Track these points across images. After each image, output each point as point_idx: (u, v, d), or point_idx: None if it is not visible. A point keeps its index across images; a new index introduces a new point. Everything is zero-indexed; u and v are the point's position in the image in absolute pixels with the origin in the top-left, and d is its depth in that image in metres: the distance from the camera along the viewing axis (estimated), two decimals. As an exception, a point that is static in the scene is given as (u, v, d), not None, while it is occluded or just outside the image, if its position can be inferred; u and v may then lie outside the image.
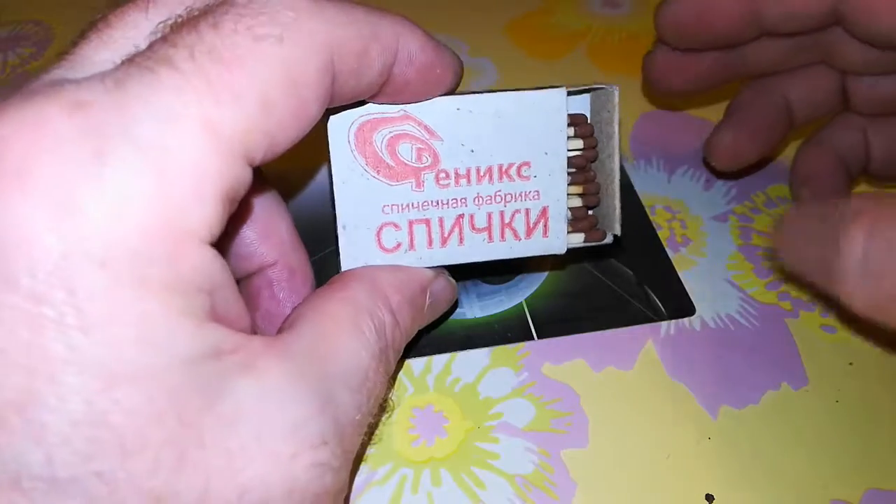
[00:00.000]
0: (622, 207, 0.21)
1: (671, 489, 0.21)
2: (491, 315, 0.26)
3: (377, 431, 0.22)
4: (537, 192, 0.21)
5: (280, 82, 0.14)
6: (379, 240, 0.20)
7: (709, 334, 0.25)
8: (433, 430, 0.23)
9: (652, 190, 0.30)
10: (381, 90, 0.18)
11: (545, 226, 0.21)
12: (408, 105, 0.20)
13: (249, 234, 0.21)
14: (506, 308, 0.26)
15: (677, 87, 0.26)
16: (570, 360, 0.24)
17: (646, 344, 0.25)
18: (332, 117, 0.19)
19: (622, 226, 0.21)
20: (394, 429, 0.23)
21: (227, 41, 0.14)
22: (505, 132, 0.20)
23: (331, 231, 0.21)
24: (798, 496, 0.21)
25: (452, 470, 0.22)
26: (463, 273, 0.23)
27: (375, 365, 0.17)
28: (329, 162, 0.20)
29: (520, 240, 0.21)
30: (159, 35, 0.15)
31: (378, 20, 0.17)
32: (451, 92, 0.20)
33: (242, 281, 0.22)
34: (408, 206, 0.20)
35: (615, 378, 0.24)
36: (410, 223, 0.20)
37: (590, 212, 0.22)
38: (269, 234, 0.21)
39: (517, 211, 0.21)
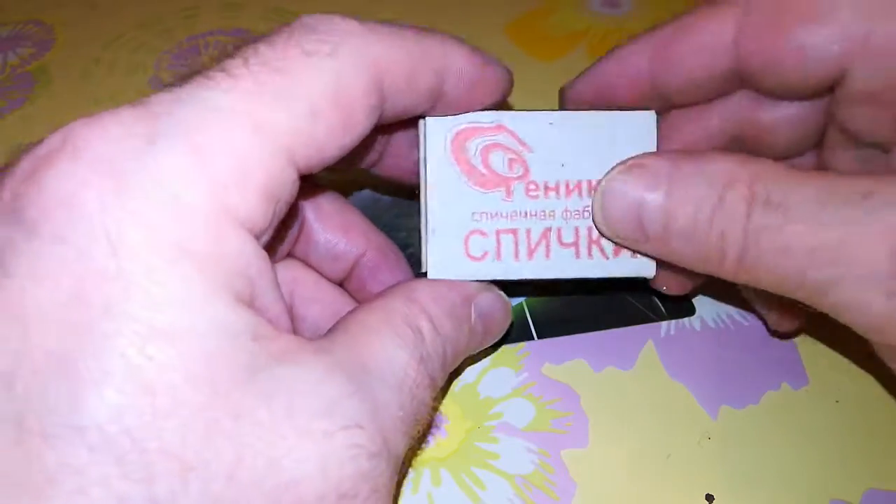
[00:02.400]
0: None
1: (671, 489, 0.21)
2: (491, 315, 0.26)
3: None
4: None
5: (328, 93, 0.15)
6: (466, 247, 0.20)
7: (709, 334, 0.25)
8: (433, 430, 0.23)
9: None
10: (435, 106, 0.19)
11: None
12: (503, 116, 0.20)
13: (331, 236, 0.22)
14: (506, 308, 0.26)
15: None
16: (570, 360, 0.24)
17: (646, 344, 0.25)
18: (429, 122, 0.20)
19: None
20: (394, 429, 0.23)
21: (278, 53, 0.15)
22: (596, 149, 0.20)
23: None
24: (798, 496, 0.21)
25: (452, 470, 0.22)
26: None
27: (416, 365, 0.17)
28: (423, 166, 0.20)
29: (608, 258, 0.21)
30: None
31: (426, 39, 0.18)
32: (504, 100, 0.20)
33: (346, 280, 0.23)
34: (497, 214, 0.20)
35: (615, 378, 0.24)
36: (498, 232, 0.20)
37: None
38: (348, 228, 0.22)
39: None
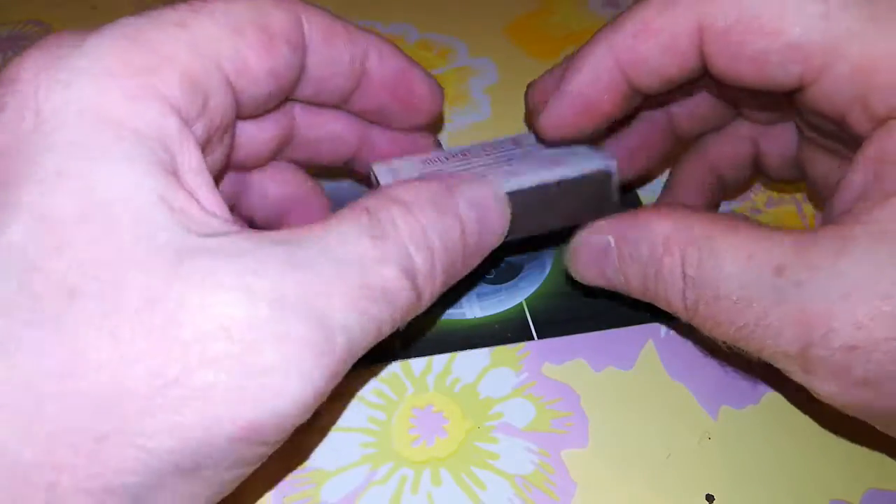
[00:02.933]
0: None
1: (671, 489, 0.21)
2: (491, 315, 0.26)
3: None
4: None
5: (250, 18, 0.18)
6: None
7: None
8: (433, 430, 0.23)
9: (654, 190, 0.30)
10: (360, 84, 0.21)
11: None
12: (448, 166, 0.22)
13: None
14: (506, 308, 0.26)
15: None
16: (570, 360, 0.24)
17: (646, 344, 0.25)
18: (375, 168, 0.23)
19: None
20: (394, 429, 0.23)
21: None
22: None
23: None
24: (798, 496, 0.21)
25: (452, 470, 0.22)
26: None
27: (369, 242, 0.16)
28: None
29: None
30: None
31: (354, 28, 0.20)
32: (438, 113, 0.23)
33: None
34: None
35: (615, 378, 0.24)
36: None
37: None
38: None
39: None
